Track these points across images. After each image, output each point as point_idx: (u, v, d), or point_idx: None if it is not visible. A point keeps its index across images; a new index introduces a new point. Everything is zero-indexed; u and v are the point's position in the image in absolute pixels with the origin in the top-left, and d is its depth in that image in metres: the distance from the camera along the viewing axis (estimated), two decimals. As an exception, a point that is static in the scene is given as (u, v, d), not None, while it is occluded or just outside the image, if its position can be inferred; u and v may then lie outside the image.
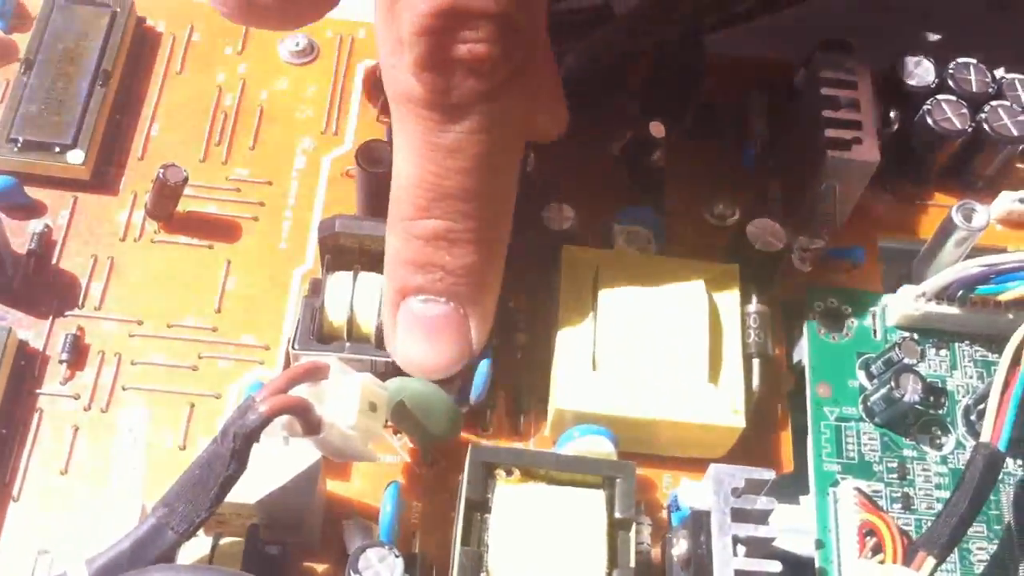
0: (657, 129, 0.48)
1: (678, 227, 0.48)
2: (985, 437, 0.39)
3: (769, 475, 0.39)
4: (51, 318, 0.44)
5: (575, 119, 0.47)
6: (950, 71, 0.49)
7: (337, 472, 0.42)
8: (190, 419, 0.43)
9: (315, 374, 0.37)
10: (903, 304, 0.45)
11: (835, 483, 0.43)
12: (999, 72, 0.49)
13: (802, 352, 0.46)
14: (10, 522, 0.40)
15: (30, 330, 0.44)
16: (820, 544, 0.42)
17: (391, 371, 0.41)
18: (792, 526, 0.43)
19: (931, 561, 0.37)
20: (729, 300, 0.44)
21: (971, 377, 0.45)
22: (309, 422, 0.37)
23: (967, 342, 0.46)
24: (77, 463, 0.42)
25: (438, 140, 0.37)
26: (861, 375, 0.45)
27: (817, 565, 0.41)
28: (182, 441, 0.42)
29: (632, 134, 0.49)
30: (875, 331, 0.46)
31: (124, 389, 0.43)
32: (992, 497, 0.43)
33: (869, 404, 0.44)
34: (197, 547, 0.37)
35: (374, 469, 0.42)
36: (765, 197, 0.49)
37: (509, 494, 0.38)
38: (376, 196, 0.43)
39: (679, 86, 0.49)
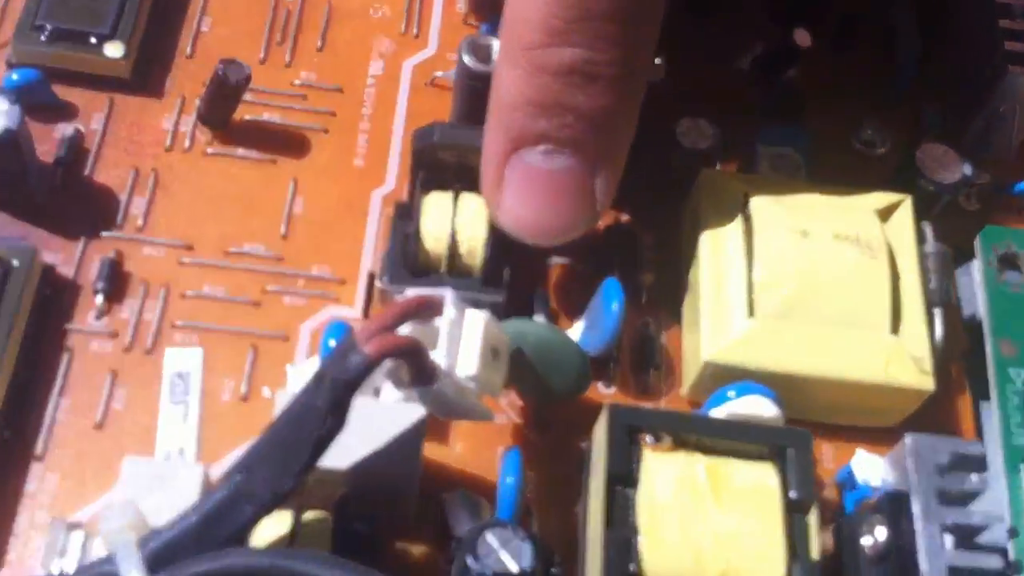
0: (803, 37, 0.39)
1: (821, 155, 0.40)
2: None
3: (979, 448, 0.31)
4: (83, 240, 0.35)
5: (700, 26, 0.38)
6: None
7: (433, 433, 0.33)
8: (254, 364, 0.34)
9: (427, 309, 0.29)
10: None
11: (1026, 460, 0.35)
12: None
13: (976, 305, 0.37)
14: (32, 487, 0.32)
15: (58, 253, 0.35)
16: (1015, 532, 0.34)
17: (500, 314, 0.33)
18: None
19: None
20: (905, 238, 0.35)
21: None
22: (422, 369, 0.28)
23: None
24: (115, 415, 0.33)
25: None
26: (1058, 332, 0.37)
27: (1011, 557, 0.33)
28: (245, 390, 0.34)
29: (765, 45, 0.40)
30: (1071, 281, 0.38)
31: (173, 327, 0.34)
32: None
33: (1069, 366, 0.36)
34: (275, 527, 0.29)
35: (478, 432, 0.34)
36: (919, 122, 0.41)
37: (659, 466, 0.30)
38: (482, 104, 0.34)
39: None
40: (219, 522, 0.26)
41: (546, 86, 0.30)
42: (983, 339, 0.37)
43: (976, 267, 0.38)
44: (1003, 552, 0.30)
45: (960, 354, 0.37)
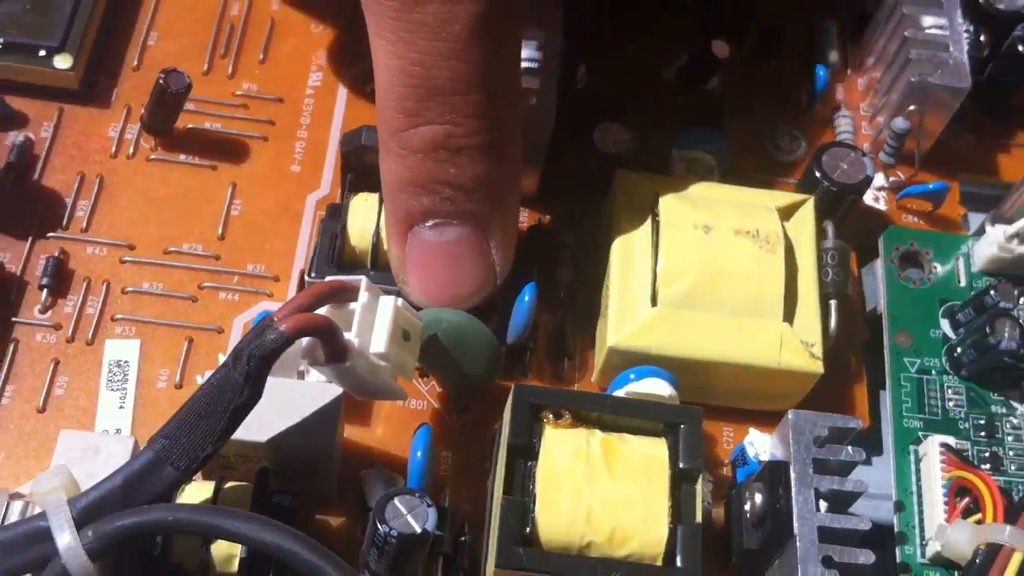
0: (721, 49, 0.44)
1: (738, 159, 0.44)
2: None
3: (856, 423, 0.35)
4: (30, 239, 0.40)
5: (628, 38, 0.43)
6: (1043, -5, 0.45)
7: (355, 416, 0.38)
8: (188, 355, 0.39)
9: (342, 293, 0.34)
10: (992, 246, 0.41)
11: (916, 440, 0.39)
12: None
13: (878, 299, 0.42)
14: (-24, 465, 0.36)
15: (6, 251, 0.40)
16: (900, 506, 0.38)
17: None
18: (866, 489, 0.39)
19: (1036, 521, 0.34)
20: (805, 235, 0.40)
21: (1068, 329, 0.42)
22: (334, 347, 0.33)
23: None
24: (57, 401, 0.38)
25: (415, 17, 0.32)
26: (945, 324, 0.41)
27: (896, 529, 0.38)
28: (179, 379, 0.38)
29: (688, 56, 0.45)
30: (959, 277, 0.42)
31: (113, 320, 0.39)
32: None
33: (956, 355, 0.40)
34: (197, 493, 0.33)
35: (397, 415, 0.38)
36: (833, 128, 0.46)
37: (558, 440, 0.34)
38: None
39: (738, 3, 0.46)
40: (142, 483, 0.31)
41: (417, 166, 0.34)
42: (883, 331, 0.41)
43: (879, 264, 0.42)
44: (869, 521, 0.34)
45: (860, 344, 0.41)
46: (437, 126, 0.33)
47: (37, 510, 0.33)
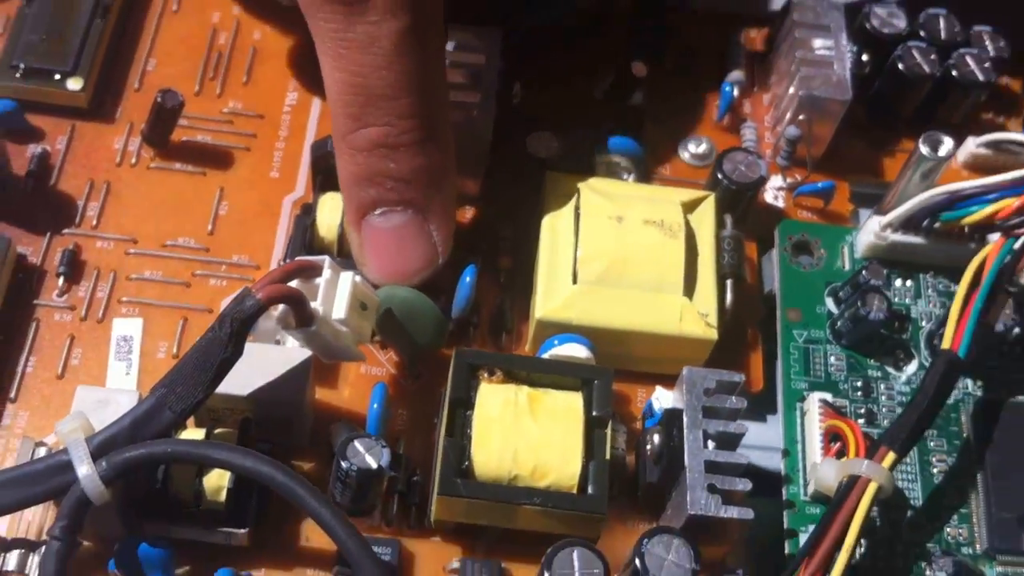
0: (639, 69, 0.52)
1: (656, 165, 0.52)
2: (946, 344, 0.43)
3: (739, 377, 0.42)
4: (48, 235, 0.48)
5: (559, 59, 0.51)
6: (920, 20, 0.53)
7: (326, 380, 0.45)
8: (183, 331, 0.46)
9: (308, 270, 0.41)
10: (870, 234, 0.49)
11: (802, 399, 0.46)
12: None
13: (773, 281, 0.49)
14: (7, 421, 0.43)
15: (28, 246, 0.47)
16: (786, 453, 0.45)
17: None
18: (760, 444, 0.47)
19: (892, 455, 0.41)
20: (705, 225, 0.47)
21: (934, 306, 0.49)
22: (302, 313, 0.40)
23: (931, 273, 0.49)
24: (73, 368, 0.45)
25: (349, 36, 0.39)
26: (829, 302, 0.49)
27: (783, 473, 0.45)
28: (175, 351, 0.46)
29: (614, 76, 0.53)
30: (844, 263, 0.50)
31: (119, 302, 0.46)
32: (952, 415, 0.47)
33: (837, 327, 0.48)
34: (191, 437, 0.41)
35: (360, 379, 0.46)
36: (739, 136, 0.53)
37: (490, 392, 0.41)
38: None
39: (658, 28, 0.53)
40: (146, 424, 0.38)
41: (363, 162, 0.41)
42: (776, 308, 0.49)
43: (775, 252, 0.50)
44: (760, 473, 0.42)
45: (757, 321, 0.49)
46: (377, 128, 0.40)
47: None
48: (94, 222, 0.48)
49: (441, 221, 0.43)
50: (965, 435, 0.46)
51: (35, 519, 0.41)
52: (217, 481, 0.40)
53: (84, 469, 0.37)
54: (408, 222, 0.42)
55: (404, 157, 0.41)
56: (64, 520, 0.37)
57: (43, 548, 0.39)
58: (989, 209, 0.46)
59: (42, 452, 0.41)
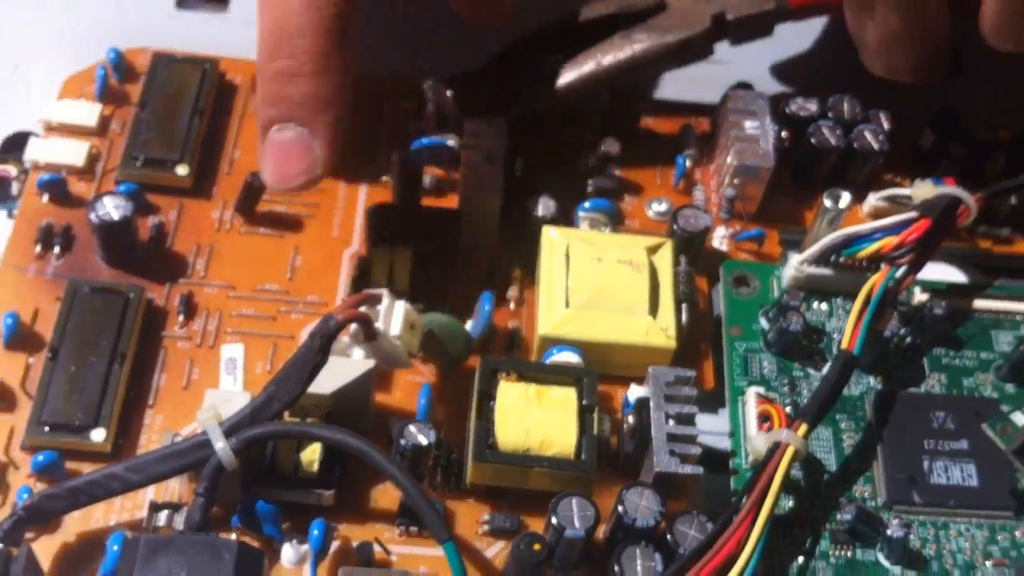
0: (611, 146, 0.67)
1: (627, 219, 0.67)
2: (844, 345, 0.58)
3: (690, 372, 0.57)
4: (168, 284, 0.62)
5: (553, 140, 0.66)
6: (828, 103, 0.68)
7: (382, 386, 0.60)
8: (274, 353, 0.61)
9: (372, 299, 0.56)
10: (792, 269, 0.64)
11: (742, 393, 0.61)
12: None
13: (719, 307, 0.64)
14: (147, 421, 0.58)
15: (155, 293, 0.62)
16: (732, 435, 0.60)
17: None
18: (713, 430, 0.61)
19: (805, 426, 0.55)
20: (665, 263, 0.62)
21: (842, 322, 0.64)
22: (369, 331, 0.55)
23: (840, 297, 0.64)
24: (194, 382, 0.59)
25: None
26: (762, 321, 0.63)
27: (729, 449, 0.59)
28: (269, 367, 0.60)
29: (595, 153, 0.68)
30: (773, 291, 0.64)
31: (225, 333, 0.61)
32: (858, 404, 0.61)
33: (768, 338, 0.62)
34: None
35: (408, 384, 0.60)
36: (691, 197, 0.68)
37: (507, 388, 0.56)
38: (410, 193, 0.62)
39: (629, 115, 0.69)
40: (261, 411, 0.52)
41: (270, 88, 0.54)
42: (722, 327, 0.63)
43: (721, 284, 0.65)
44: (712, 453, 0.56)
45: (709, 337, 0.64)
46: (282, 60, 0.54)
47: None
48: (202, 273, 0.63)
49: (325, 139, 0.55)
50: (868, 419, 0.61)
51: (176, 488, 0.56)
52: (310, 455, 0.54)
53: (220, 444, 0.51)
54: (296, 136, 0.55)
55: (300, 84, 0.54)
56: (205, 482, 0.52)
57: (184, 508, 0.54)
58: (876, 246, 0.61)
59: (179, 439, 0.56)
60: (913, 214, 0.61)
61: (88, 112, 0.67)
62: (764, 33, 0.66)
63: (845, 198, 0.62)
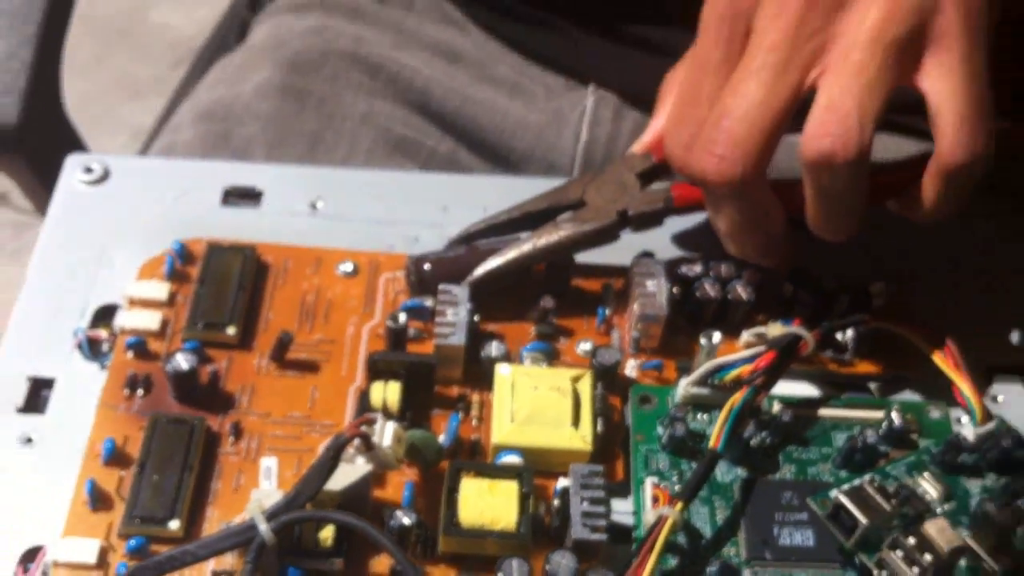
0: (547, 302, 0.90)
1: (561, 356, 0.89)
2: (711, 445, 0.79)
3: (599, 468, 0.79)
4: (221, 415, 0.85)
5: (503, 299, 0.89)
6: (710, 265, 0.91)
7: (379, 485, 0.81)
8: (300, 464, 0.83)
9: (370, 421, 0.78)
10: (682, 389, 0.86)
11: (643, 483, 0.82)
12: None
13: (629, 419, 0.86)
14: (208, 514, 0.80)
15: (212, 422, 0.84)
16: (635, 512, 0.81)
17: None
18: (621, 510, 0.82)
19: (680, 503, 0.76)
20: (585, 389, 0.84)
21: (720, 428, 0.85)
22: (368, 443, 0.77)
23: (717, 410, 0.86)
24: (241, 486, 0.81)
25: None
26: (659, 428, 0.85)
27: (632, 523, 0.81)
28: (296, 472, 0.82)
29: (538, 307, 0.91)
30: (669, 406, 0.86)
31: (264, 449, 0.83)
32: (729, 489, 0.83)
33: (663, 441, 0.84)
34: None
35: (397, 483, 0.82)
36: (609, 338, 0.91)
37: (469, 482, 0.78)
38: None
39: (561, 278, 0.92)
40: (292, 503, 0.74)
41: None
42: (630, 434, 0.85)
43: (630, 403, 0.87)
44: (619, 528, 0.78)
45: (620, 442, 0.85)
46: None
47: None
48: (246, 406, 0.85)
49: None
50: (735, 498, 0.82)
51: (230, 560, 0.77)
52: (326, 533, 0.76)
53: (263, 527, 0.73)
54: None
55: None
56: (252, 555, 0.73)
57: (236, 575, 0.75)
58: (736, 371, 0.82)
59: (232, 525, 0.78)
60: (762, 348, 0.83)
61: (160, 289, 0.90)
62: (657, 224, 0.90)
63: (716, 336, 0.85)
